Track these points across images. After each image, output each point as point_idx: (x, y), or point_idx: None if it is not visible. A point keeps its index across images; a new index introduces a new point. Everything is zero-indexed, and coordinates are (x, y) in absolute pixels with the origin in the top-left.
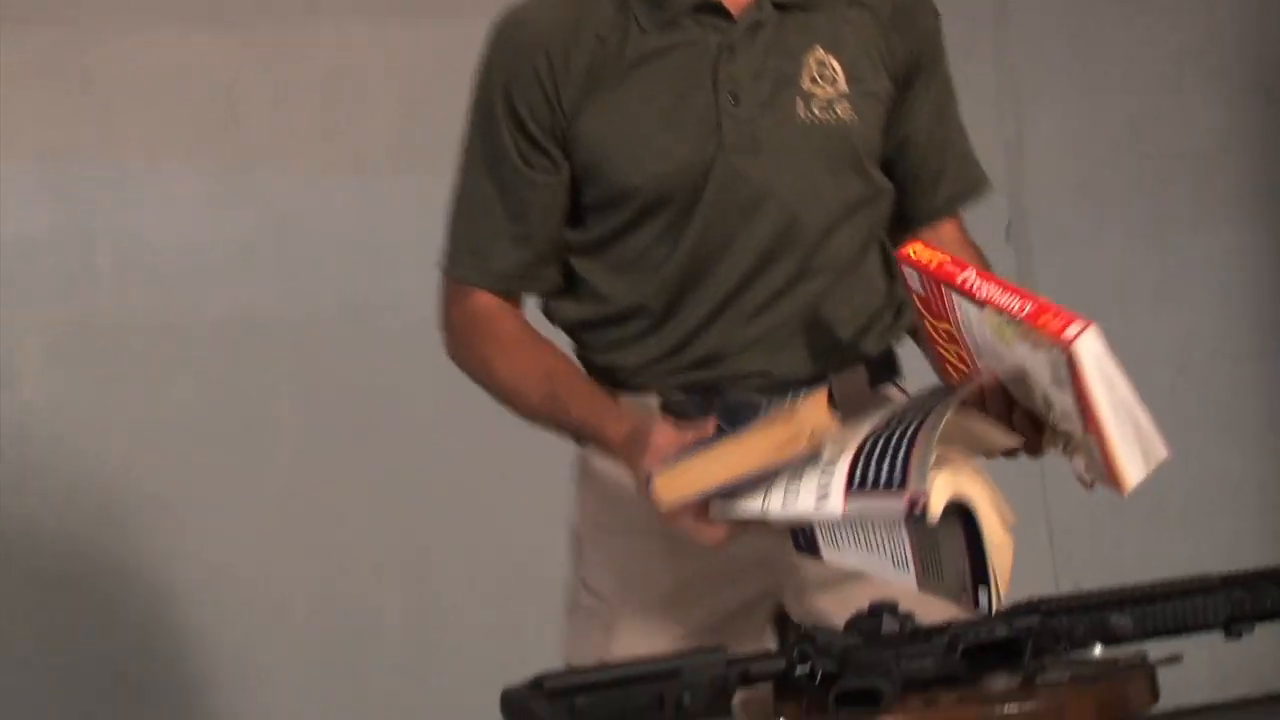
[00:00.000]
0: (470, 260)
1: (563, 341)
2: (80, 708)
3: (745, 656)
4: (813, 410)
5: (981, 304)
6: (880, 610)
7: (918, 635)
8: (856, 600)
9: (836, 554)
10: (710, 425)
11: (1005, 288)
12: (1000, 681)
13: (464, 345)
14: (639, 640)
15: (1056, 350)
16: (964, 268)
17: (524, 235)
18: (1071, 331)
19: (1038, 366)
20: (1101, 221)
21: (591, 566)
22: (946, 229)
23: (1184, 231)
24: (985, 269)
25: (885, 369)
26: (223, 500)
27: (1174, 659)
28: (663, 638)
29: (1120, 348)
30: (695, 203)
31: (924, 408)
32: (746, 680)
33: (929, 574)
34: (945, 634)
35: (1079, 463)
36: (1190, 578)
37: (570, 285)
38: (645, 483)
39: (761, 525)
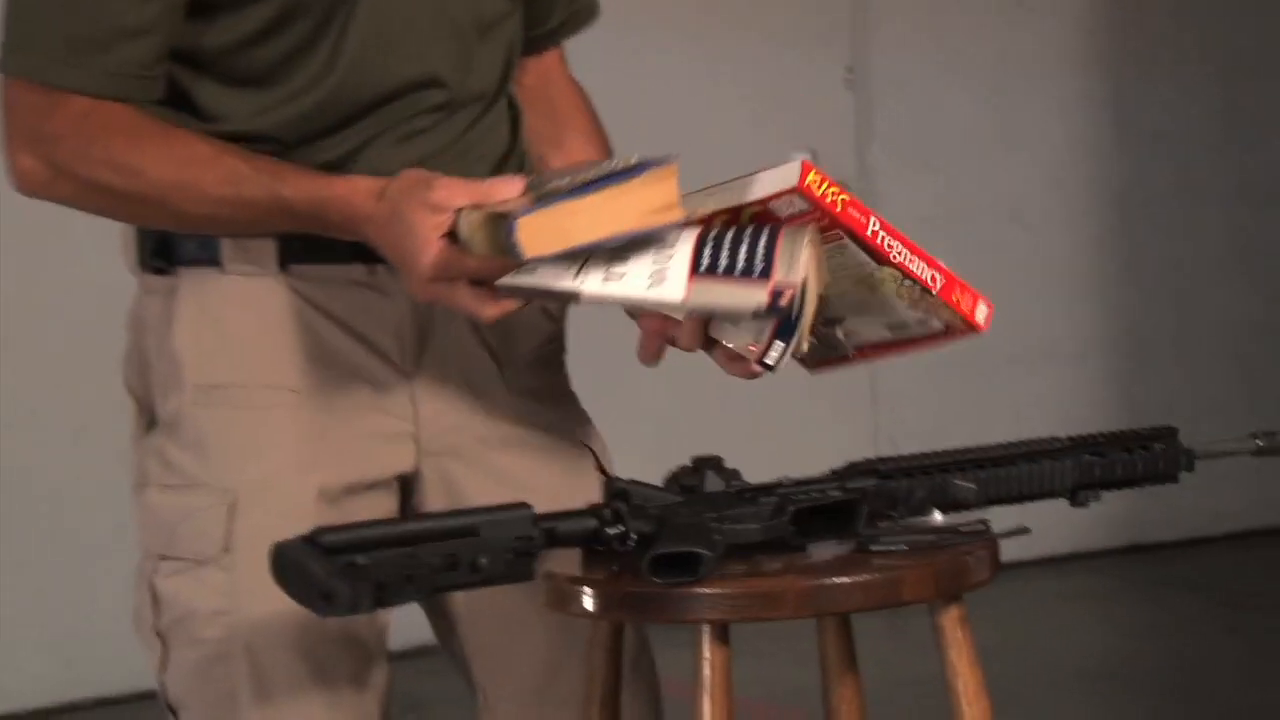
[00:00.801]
0: (71, 57)
1: None
2: None
3: (553, 514)
4: (672, 181)
5: (885, 261)
6: (703, 465)
7: (743, 495)
8: (513, 475)
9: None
10: (518, 184)
11: (913, 251)
12: (831, 549)
13: (78, 153)
14: (270, 513)
15: (956, 320)
16: (869, 215)
17: (144, 24)
18: (981, 318)
19: (900, 312)
20: (943, 68)
21: (195, 438)
22: (551, 59)
23: (1025, 80)
24: (590, 115)
25: None
26: None
27: (1021, 531)
28: (291, 510)
29: (957, 196)
30: (340, 15)
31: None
32: (553, 542)
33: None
34: (773, 494)
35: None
36: (1037, 440)
37: (164, 104)
38: (428, 246)
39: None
